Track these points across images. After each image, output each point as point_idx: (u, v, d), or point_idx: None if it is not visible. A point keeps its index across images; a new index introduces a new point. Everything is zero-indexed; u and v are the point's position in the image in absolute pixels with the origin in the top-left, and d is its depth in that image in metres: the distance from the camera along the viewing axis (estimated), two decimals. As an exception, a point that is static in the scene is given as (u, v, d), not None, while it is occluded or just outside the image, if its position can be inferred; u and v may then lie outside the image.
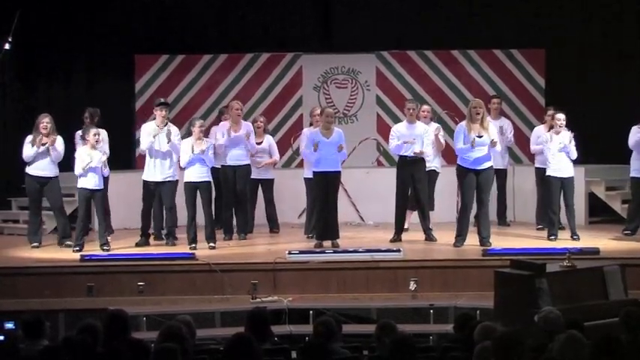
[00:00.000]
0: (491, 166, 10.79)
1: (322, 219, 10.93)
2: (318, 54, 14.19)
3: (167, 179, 11.10)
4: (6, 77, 13.45)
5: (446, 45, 13.95)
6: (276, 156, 12.26)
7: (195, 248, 10.69)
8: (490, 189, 10.87)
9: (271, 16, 14.15)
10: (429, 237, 11.20)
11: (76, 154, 10.83)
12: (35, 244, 11.20)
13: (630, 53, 13.37)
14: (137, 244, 11.11)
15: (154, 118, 11.25)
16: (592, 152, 12.46)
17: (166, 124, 11.13)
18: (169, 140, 10.96)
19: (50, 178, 11.20)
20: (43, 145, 11.00)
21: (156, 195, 11.22)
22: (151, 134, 11.01)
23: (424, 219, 11.26)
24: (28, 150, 11.08)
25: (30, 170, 11.18)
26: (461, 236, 10.78)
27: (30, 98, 13.65)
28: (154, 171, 11.07)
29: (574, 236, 11.08)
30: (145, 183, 11.17)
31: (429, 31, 13.96)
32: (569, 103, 12.42)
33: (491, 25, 13.88)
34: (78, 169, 10.67)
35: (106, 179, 11.10)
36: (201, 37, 14.05)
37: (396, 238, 11.26)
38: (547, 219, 11.31)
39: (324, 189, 10.92)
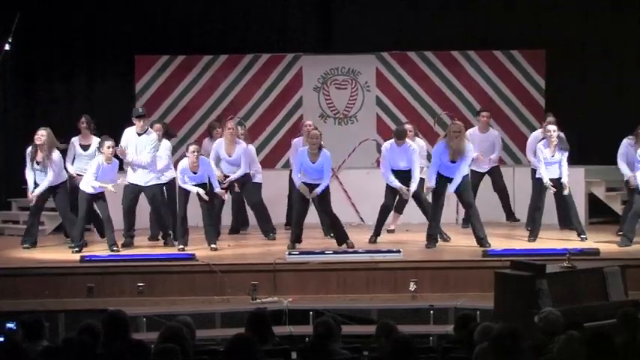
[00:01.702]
0: (466, 175, 10.80)
1: (298, 224, 10.95)
2: (318, 55, 14.18)
3: (149, 183, 11.11)
4: (6, 78, 13.45)
5: (446, 46, 13.93)
6: (244, 168, 11.57)
7: (184, 250, 10.68)
8: (470, 190, 10.87)
9: (271, 16, 14.16)
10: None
11: (91, 163, 10.83)
12: (27, 245, 11.16)
13: (630, 54, 13.38)
14: (123, 245, 11.07)
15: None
16: (592, 153, 12.46)
17: (146, 131, 11.12)
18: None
19: (59, 185, 11.13)
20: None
21: (135, 197, 11.19)
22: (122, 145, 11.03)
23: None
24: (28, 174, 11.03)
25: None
26: (433, 238, 10.84)
27: (30, 99, 13.66)
28: (134, 175, 11.09)
29: (582, 236, 11.09)
30: (126, 185, 11.15)
31: (429, 31, 13.95)
32: (569, 103, 12.43)
33: (492, 25, 13.89)
34: (90, 178, 10.65)
35: None
36: (201, 37, 14.05)
37: (375, 239, 11.26)
38: (530, 219, 11.34)
39: (302, 196, 10.93)
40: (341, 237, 10.93)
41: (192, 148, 10.82)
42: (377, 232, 11.34)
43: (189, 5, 14.08)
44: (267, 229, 11.80)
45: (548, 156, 10.92)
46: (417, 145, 11.52)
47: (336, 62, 14.17)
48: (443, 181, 10.73)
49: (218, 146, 11.58)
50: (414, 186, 11.08)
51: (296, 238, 10.94)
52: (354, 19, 14.10)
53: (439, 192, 10.80)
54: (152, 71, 14.06)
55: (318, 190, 10.79)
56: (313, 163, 10.82)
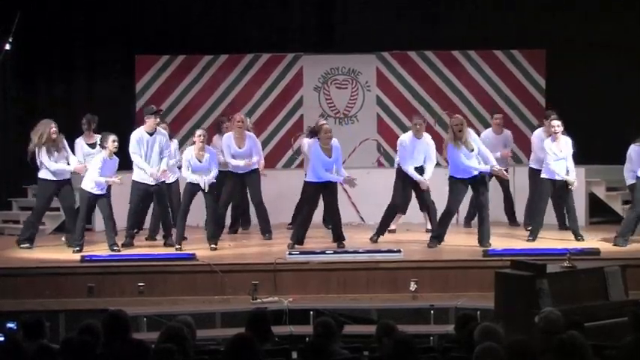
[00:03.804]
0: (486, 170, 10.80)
1: (304, 225, 10.98)
2: (318, 54, 14.19)
3: (160, 181, 11.11)
4: (6, 77, 13.44)
5: (446, 45, 13.95)
6: (259, 156, 11.85)
7: (181, 249, 10.68)
8: (487, 191, 10.85)
9: (271, 16, 14.16)
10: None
11: (94, 160, 10.83)
12: (26, 245, 11.17)
13: (630, 53, 13.37)
14: (123, 245, 11.06)
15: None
16: (592, 152, 12.45)
17: (155, 130, 11.12)
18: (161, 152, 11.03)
19: (67, 180, 11.16)
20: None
21: (147, 197, 11.22)
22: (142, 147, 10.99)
23: (434, 223, 11.24)
24: (51, 164, 10.98)
25: (45, 175, 11.09)
26: (437, 238, 10.83)
27: (30, 99, 13.66)
28: (146, 174, 11.07)
29: (578, 237, 11.08)
30: (136, 184, 11.13)
31: (430, 31, 13.96)
32: (569, 103, 12.43)
33: (492, 25, 13.88)
34: (94, 174, 10.65)
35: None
36: (201, 37, 14.05)
37: (376, 239, 11.28)
38: (531, 219, 11.33)
39: (316, 196, 10.95)
40: (339, 237, 10.93)
41: (198, 132, 10.88)
42: (381, 232, 11.33)
43: (189, 5, 14.08)
44: (267, 228, 11.81)
45: (558, 151, 10.94)
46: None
47: (336, 62, 14.18)
48: (463, 183, 10.69)
49: (228, 140, 11.56)
50: (428, 174, 11.20)
51: (298, 240, 10.93)
52: (354, 19, 14.10)
53: (458, 193, 10.73)
54: (152, 71, 14.07)
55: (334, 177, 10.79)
56: (329, 158, 10.81)
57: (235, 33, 14.10)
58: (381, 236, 11.33)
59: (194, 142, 10.93)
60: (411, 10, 13.96)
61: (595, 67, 13.36)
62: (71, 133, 11.74)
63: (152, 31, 13.91)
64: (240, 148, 11.54)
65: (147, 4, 13.91)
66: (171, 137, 12.01)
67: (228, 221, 12.28)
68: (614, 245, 10.71)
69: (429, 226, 11.73)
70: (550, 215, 11.88)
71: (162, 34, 13.96)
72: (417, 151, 11.28)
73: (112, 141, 10.71)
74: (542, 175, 11.17)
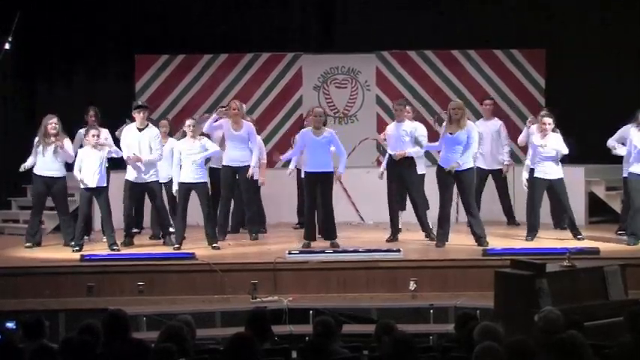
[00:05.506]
0: (471, 168, 10.76)
1: (310, 220, 10.98)
2: (318, 54, 14.20)
3: (151, 180, 11.13)
4: (6, 77, 13.44)
5: (446, 45, 13.95)
6: (257, 145, 11.71)
7: (179, 248, 10.69)
8: (472, 190, 10.82)
9: (271, 16, 14.16)
10: (430, 236, 11.17)
11: (78, 156, 10.86)
12: (29, 244, 11.19)
13: (630, 53, 13.37)
14: (123, 244, 11.06)
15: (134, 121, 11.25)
16: (592, 152, 12.45)
17: (147, 125, 11.14)
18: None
19: (58, 178, 11.18)
20: (49, 145, 10.98)
21: (140, 196, 11.28)
22: (130, 146, 11.05)
23: (422, 220, 11.24)
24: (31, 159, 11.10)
25: (37, 171, 11.14)
26: (442, 235, 10.81)
27: (30, 98, 13.66)
28: (137, 172, 11.07)
29: (578, 236, 11.07)
30: (127, 183, 11.18)
31: (429, 31, 13.96)
32: (569, 103, 12.43)
33: (491, 25, 13.87)
34: (77, 170, 10.71)
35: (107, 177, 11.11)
36: (201, 36, 14.05)
37: (392, 238, 11.27)
38: (527, 219, 11.34)
39: (313, 189, 10.93)
40: (329, 234, 10.92)
41: (188, 122, 10.91)
42: (394, 232, 11.32)
43: (189, 4, 14.08)
44: (255, 228, 11.79)
45: (539, 141, 10.91)
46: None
47: (336, 61, 14.20)
48: (446, 173, 10.64)
49: (224, 124, 11.51)
50: (424, 142, 11.20)
51: (310, 236, 10.92)
52: (354, 19, 14.12)
53: (445, 184, 10.68)
54: (152, 70, 14.08)
55: (341, 168, 10.88)
56: (317, 137, 10.81)
57: (235, 33, 14.10)
58: (395, 235, 11.30)
59: (184, 134, 10.99)
60: (411, 9, 13.96)
61: (595, 67, 13.35)
62: (71, 133, 11.73)
63: (152, 30, 13.91)
64: (236, 131, 11.49)
65: (147, 4, 13.91)
66: (172, 135, 12.01)
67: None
68: (628, 244, 10.66)
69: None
70: (549, 215, 11.89)
71: (162, 33, 13.97)
72: (397, 139, 11.17)
73: (91, 135, 10.78)
74: (535, 174, 11.15)
